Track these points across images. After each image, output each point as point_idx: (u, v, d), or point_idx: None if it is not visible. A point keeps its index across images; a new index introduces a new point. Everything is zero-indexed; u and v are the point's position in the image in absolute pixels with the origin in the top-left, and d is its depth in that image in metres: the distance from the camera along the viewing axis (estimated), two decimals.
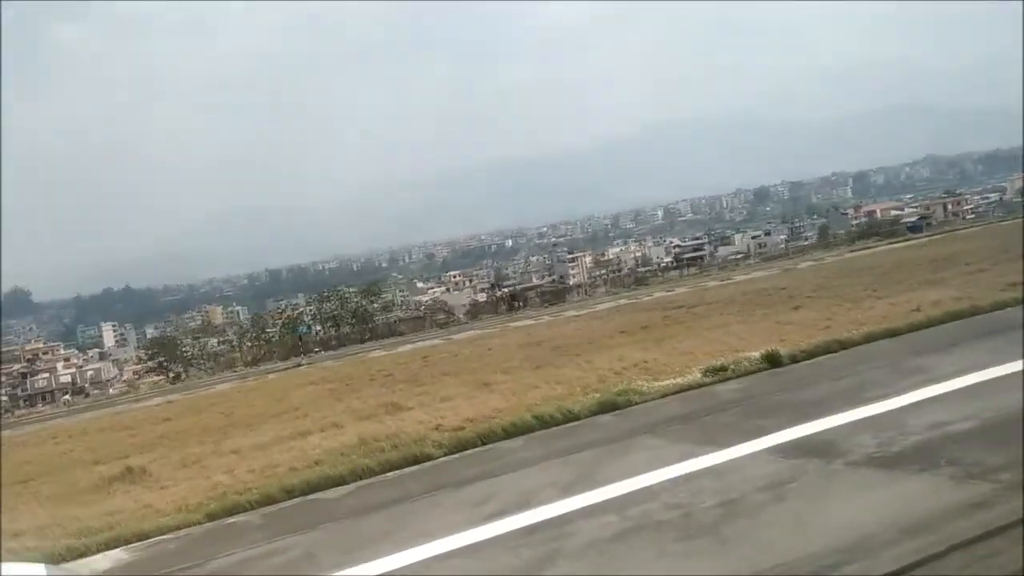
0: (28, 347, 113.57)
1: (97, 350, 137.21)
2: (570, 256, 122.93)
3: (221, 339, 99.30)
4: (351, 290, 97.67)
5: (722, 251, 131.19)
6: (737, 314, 24.72)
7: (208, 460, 15.42)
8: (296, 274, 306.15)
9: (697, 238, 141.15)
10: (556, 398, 14.32)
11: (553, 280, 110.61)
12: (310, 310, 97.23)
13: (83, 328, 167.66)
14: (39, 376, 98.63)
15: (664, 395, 13.52)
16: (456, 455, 11.87)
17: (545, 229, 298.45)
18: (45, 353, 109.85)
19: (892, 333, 15.84)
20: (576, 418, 12.77)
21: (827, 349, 15.14)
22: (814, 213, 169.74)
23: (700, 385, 13.85)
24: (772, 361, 14.61)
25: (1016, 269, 22.08)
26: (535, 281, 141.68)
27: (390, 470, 11.59)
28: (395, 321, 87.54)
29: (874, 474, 7.64)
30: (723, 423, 11.05)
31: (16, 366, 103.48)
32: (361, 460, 11.99)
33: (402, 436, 13.10)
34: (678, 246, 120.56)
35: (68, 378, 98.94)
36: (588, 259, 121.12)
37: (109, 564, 9.74)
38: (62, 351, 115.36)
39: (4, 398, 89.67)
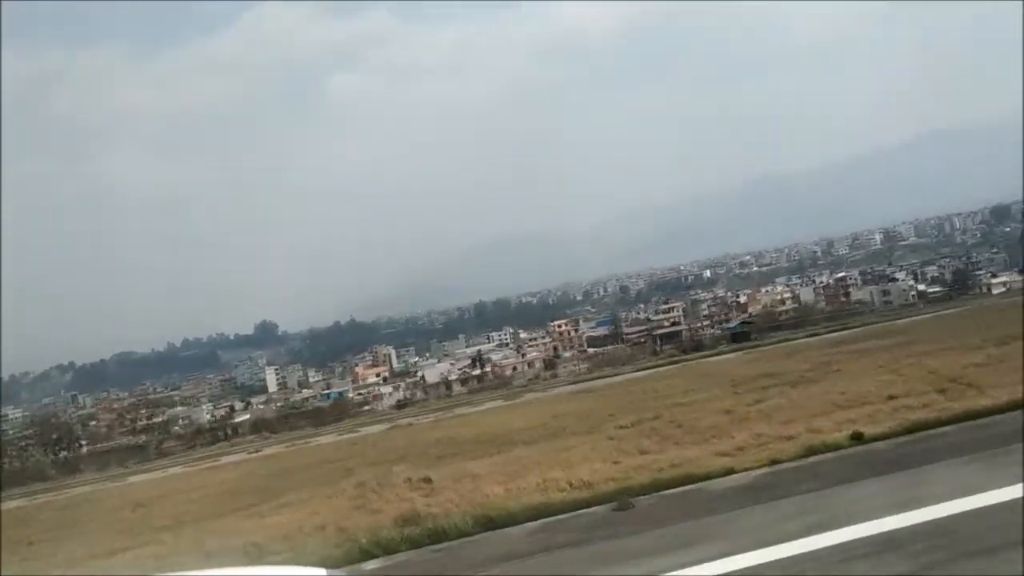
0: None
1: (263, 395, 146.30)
2: (665, 305, 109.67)
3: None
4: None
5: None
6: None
7: None
8: (501, 307, 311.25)
9: (841, 277, 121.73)
10: None
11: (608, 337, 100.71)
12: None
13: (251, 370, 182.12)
14: None
15: None
16: None
17: (748, 258, 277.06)
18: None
19: None
20: None
21: None
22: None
23: None
24: None
25: None
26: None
27: None
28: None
29: None
30: None
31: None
32: None
33: None
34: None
35: None
36: (680, 305, 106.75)
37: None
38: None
39: None
